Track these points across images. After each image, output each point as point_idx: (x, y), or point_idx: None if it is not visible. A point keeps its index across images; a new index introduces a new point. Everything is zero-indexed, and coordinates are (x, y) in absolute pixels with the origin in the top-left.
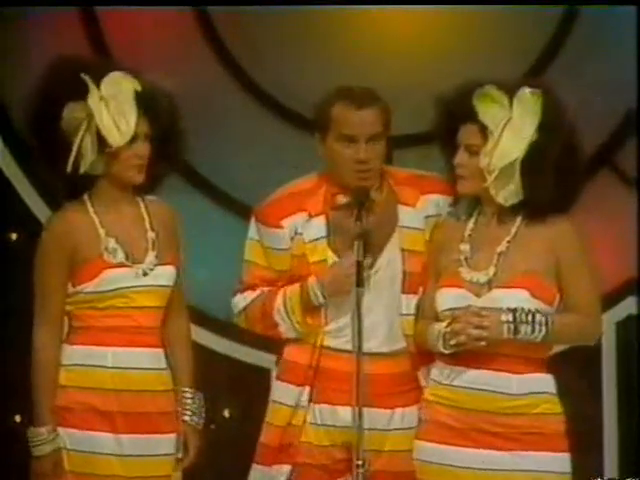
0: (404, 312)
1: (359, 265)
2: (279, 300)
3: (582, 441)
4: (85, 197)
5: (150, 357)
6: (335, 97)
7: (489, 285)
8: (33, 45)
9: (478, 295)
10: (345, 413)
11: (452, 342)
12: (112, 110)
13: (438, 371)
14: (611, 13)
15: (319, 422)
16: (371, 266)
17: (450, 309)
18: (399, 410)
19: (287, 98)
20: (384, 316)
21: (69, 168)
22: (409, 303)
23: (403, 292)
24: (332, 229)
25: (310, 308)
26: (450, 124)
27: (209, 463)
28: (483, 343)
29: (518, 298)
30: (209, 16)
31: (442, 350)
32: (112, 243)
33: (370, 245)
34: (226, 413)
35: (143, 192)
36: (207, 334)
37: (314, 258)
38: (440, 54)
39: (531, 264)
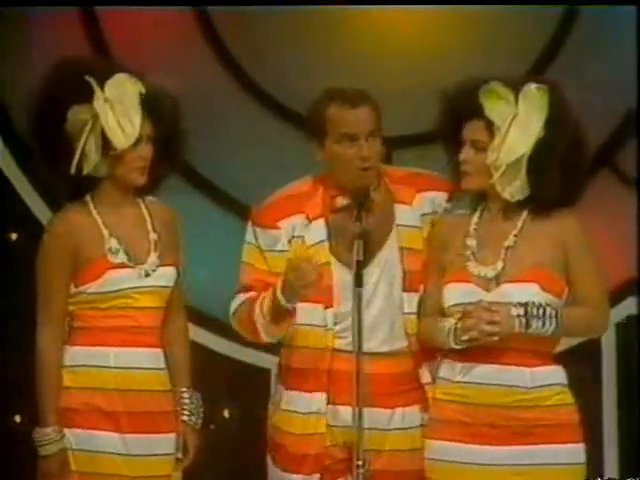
0: (406, 311)
1: (359, 265)
2: (257, 303)
3: None
4: (87, 198)
5: (150, 357)
6: (327, 99)
7: (497, 279)
8: (33, 45)
9: (487, 290)
10: (346, 413)
11: (464, 338)
12: (117, 112)
13: (448, 368)
14: (611, 13)
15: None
16: (366, 265)
17: (459, 304)
18: (399, 410)
19: (287, 98)
20: (385, 316)
21: (73, 170)
22: (411, 301)
23: (404, 290)
24: (332, 232)
25: (282, 312)
26: (455, 120)
27: (209, 463)
28: (495, 338)
29: (529, 292)
30: (209, 16)
31: (453, 346)
32: (115, 244)
33: (369, 245)
34: (226, 413)
35: (144, 193)
36: (207, 334)
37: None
38: (440, 54)
39: (538, 258)
